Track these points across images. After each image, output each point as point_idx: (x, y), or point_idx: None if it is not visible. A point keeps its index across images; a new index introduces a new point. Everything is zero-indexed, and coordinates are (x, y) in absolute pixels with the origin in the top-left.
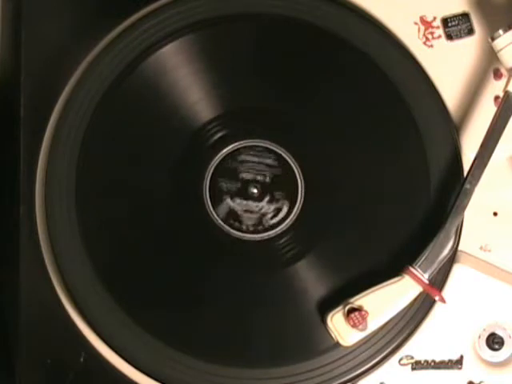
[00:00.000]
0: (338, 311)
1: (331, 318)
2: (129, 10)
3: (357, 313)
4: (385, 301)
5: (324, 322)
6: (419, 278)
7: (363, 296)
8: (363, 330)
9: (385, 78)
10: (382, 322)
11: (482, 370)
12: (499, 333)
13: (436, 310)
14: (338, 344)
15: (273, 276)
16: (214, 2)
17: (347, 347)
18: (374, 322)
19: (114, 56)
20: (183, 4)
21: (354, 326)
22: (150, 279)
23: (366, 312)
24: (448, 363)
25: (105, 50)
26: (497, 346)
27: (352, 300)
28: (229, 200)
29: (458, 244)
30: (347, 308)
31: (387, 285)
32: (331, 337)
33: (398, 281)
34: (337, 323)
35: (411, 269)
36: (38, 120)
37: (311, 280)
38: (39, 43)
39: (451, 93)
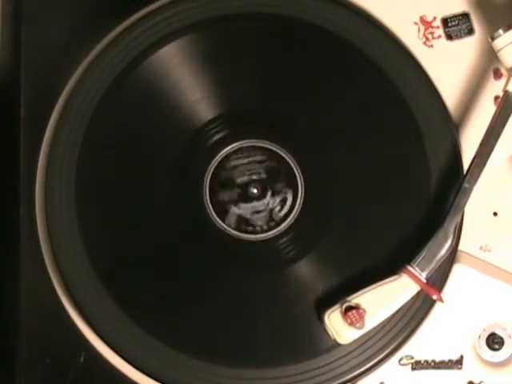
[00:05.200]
0: (335, 309)
1: (329, 315)
2: (129, 9)
3: (354, 311)
4: (382, 299)
5: (321, 320)
6: (417, 277)
7: (361, 294)
8: (360, 328)
9: (385, 77)
10: (380, 320)
11: (482, 370)
12: (499, 333)
13: (436, 310)
14: (335, 342)
15: (273, 276)
16: (213, 2)
17: (345, 345)
18: (372, 320)
19: (113, 56)
20: (183, 4)
21: (352, 324)
22: (150, 279)
23: (364, 310)
24: (448, 363)
25: (105, 50)
26: (497, 346)
27: (349, 298)
28: (231, 203)
29: (457, 244)
30: (345, 306)
31: (385, 283)
32: (328, 335)
33: (396, 279)
34: (334, 321)
35: (409, 268)
36: (37, 120)
37: (311, 280)
38: (39, 43)
39: (451, 93)
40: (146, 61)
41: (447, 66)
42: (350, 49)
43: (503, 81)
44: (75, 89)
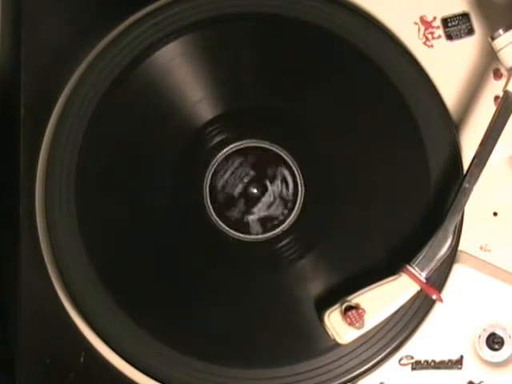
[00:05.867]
0: (335, 309)
1: (328, 315)
2: (129, 10)
3: (354, 311)
4: (382, 299)
5: (321, 319)
6: (416, 277)
7: (360, 294)
8: (360, 328)
9: (385, 77)
10: (379, 320)
11: (482, 370)
12: (499, 333)
13: (436, 310)
14: (334, 342)
15: (273, 276)
16: (213, 2)
17: (345, 345)
18: (371, 320)
19: (114, 56)
20: (183, 4)
21: (351, 324)
22: (149, 279)
23: (363, 310)
24: (448, 363)
25: (105, 50)
26: (497, 346)
27: (349, 298)
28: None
29: (457, 244)
30: (344, 306)
31: (384, 283)
32: (328, 335)
33: (396, 279)
34: (334, 321)
35: (408, 267)
36: (37, 120)
37: (311, 280)
38: (39, 43)
39: (451, 93)
40: (146, 61)
41: (447, 66)
42: (350, 49)
43: (503, 81)
44: (75, 89)
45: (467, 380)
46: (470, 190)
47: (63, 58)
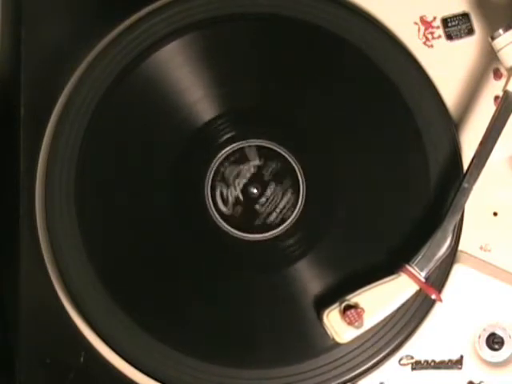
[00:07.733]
0: (334, 308)
1: (327, 314)
2: (129, 9)
3: (353, 310)
4: (381, 299)
5: (320, 319)
6: (416, 277)
7: (360, 293)
8: (359, 327)
9: (385, 78)
10: (378, 319)
11: (482, 370)
12: (499, 333)
13: (436, 310)
14: (333, 341)
15: (273, 276)
16: (213, 2)
17: (344, 345)
18: (370, 319)
19: (114, 56)
20: (183, 4)
21: (350, 323)
22: (149, 279)
23: (362, 309)
24: (448, 363)
25: (105, 50)
26: (497, 346)
27: (348, 297)
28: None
29: (457, 244)
30: (343, 305)
31: (384, 283)
32: (327, 334)
33: (395, 279)
34: (333, 320)
35: (408, 267)
36: (37, 120)
37: (311, 280)
38: (39, 43)
39: (451, 93)
40: (146, 61)
41: (447, 66)
42: (350, 49)
43: (503, 81)
44: (75, 89)
45: (467, 380)
46: (469, 190)
47: (63, 58)
